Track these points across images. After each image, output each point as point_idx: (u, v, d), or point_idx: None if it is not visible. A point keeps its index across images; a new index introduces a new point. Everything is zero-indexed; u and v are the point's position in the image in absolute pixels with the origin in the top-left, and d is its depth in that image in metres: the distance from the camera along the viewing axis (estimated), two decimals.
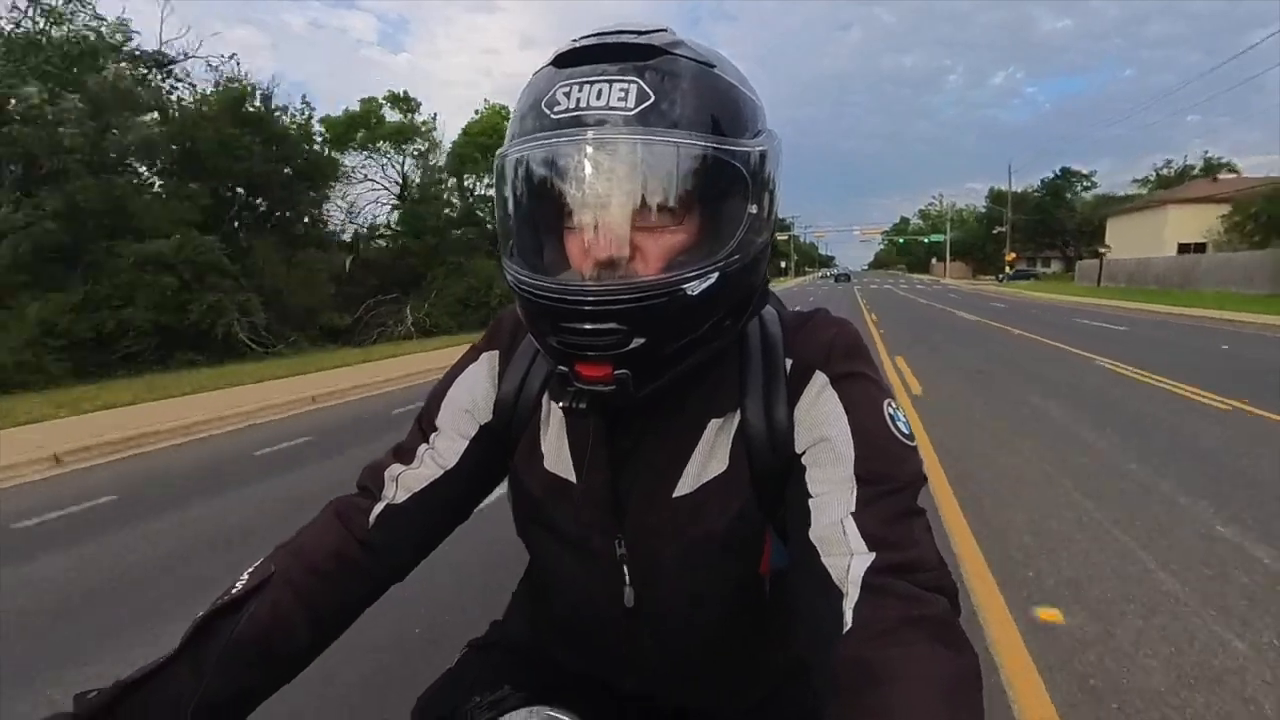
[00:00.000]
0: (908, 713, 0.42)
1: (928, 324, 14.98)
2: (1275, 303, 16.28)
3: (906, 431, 0.59)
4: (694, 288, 0.53)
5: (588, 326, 0.53)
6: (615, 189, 0.53)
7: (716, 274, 0.53)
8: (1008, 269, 40.69)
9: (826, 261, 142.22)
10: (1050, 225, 45.75)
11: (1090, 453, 4.26)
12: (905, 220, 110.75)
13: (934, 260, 75.65)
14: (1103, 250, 31.67)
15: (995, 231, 48.27)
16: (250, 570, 0.62)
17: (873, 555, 0.51)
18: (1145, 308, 17.25)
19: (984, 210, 58.13)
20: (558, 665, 0.77)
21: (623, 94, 0.51)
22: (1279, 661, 1.99)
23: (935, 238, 67.58)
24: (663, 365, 0.56)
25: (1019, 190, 48.71)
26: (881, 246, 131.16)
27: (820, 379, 0.61)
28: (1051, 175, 48.14)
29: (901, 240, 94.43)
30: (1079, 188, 48.10)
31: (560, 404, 0.61)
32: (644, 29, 0.55)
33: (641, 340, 0.53)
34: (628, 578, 0.66)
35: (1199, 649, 2.07)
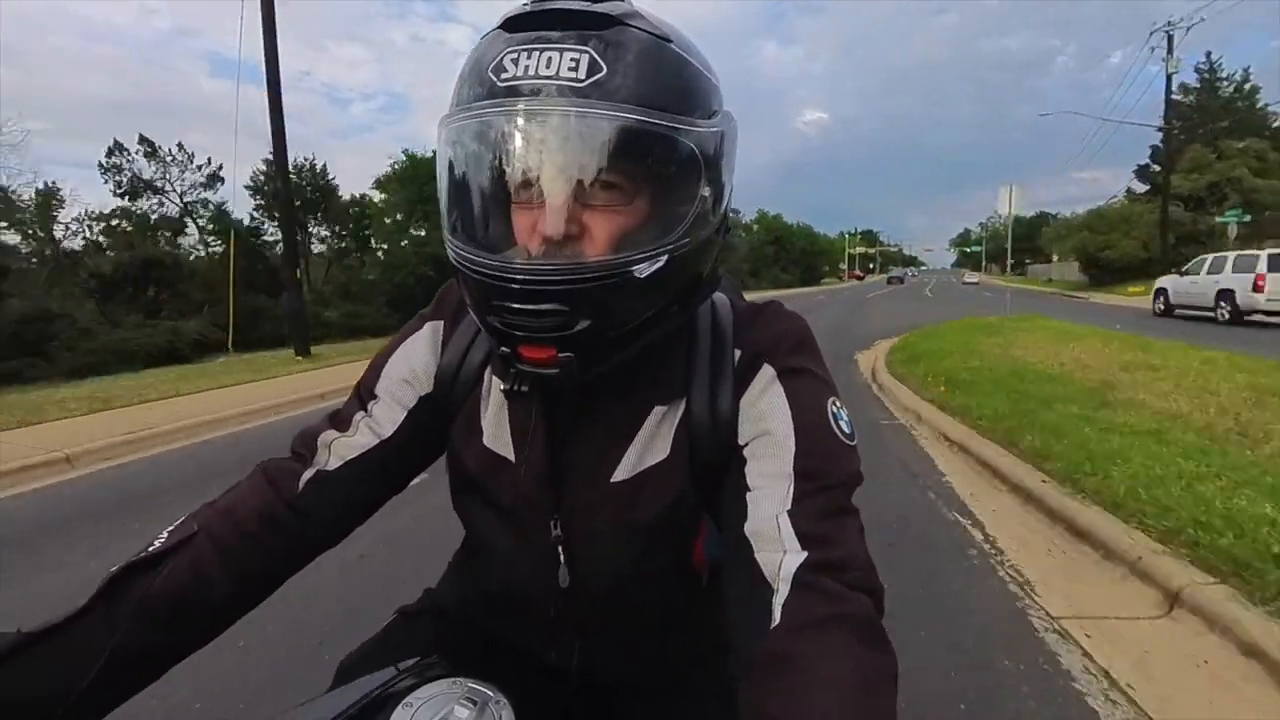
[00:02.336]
0: (815, 701, 0.43)
1: (945, 289, 41.08)
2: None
3: (848, 430, 0.59)
4: (642, 270, 0.51)
5: (531, 307, 0.51)
6: (563, 164, 0.50)
7: (666, 257, 0.52)
8: (1008, 268, 65.07)
9: (910, 262, 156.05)
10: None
11: (925, 298, 30.65)
12: (968, 231, 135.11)
13: (983, 263, 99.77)
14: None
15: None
16: (171, 527, 0.61)
17: (805, 553, 0.51)
18: (1030, 287, 42.36)
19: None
20: (486, 636, 0.77)
21: (574, 63, 0.49)
22: (919, 311, 19.34)
23: (975, 248, 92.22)
24: (608, 349, 0.55)
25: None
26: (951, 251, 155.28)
27: (768, 372, 0.61)
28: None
29: (967, 249, 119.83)
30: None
31: (502, 387, 0.62)
32: None
33: (587, 323, 0.52)
34: (562, 557, 0.65)
35: (908, 315, 16.77)
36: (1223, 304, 13.15)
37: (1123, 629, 2.13)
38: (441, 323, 0.72)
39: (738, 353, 0.63)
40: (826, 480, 0.55)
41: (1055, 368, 6.47)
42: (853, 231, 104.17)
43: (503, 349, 0.56)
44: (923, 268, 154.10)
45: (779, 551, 0.52)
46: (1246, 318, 12.70)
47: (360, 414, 0.69)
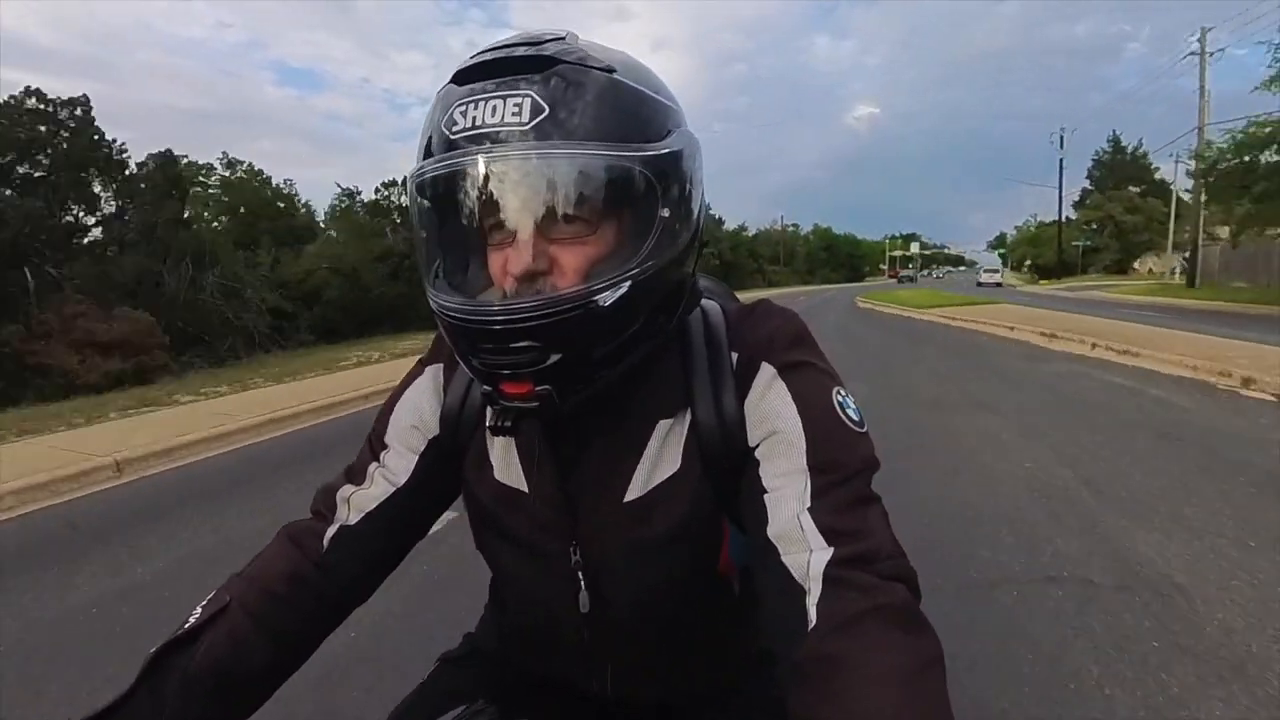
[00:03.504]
0: (866, 697, 0.43)
1: (951, 285, 57.76)
2: None
3: (857, 418, 0.59)
4: (605, 299, 0.52)
5: (504, 345, 0.53)
6: (514, 205, 0.52)
7: (629, 283, 0.53)
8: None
9: (958, 261, 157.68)
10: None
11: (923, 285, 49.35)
12: (1004, 234, 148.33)
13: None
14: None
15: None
16: (204, 602, 0.62)
17: (831, 550, 0.51)
18: (1007, 281, 61.05)
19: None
20: (528, 674, 0.77)
21: (516, 108, 0.51)
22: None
23: (1000, 251, 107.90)
24: (586, 378, 0.56)
25: None
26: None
27: (768, 371, 0.61)
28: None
29: (1002, 250, 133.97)
30: None
31: (488, 424, 0.61)
32: (540, 38, 0.54)
33: (558, 356, 0.53)
34: (583, 583, 0.66)
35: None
36: (981, 282, 33.94)
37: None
38: (441, 366, 0.73)
39: (734, 356, 0.63)
40: (842, 471, 0.55)
41: (928, 299, 25.11)
42: (895, 235, 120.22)
43: (485, 387, 0.57)
44: (974, 266, 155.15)
45: (805, 551, 0.52)
46: (980, 284, 34.98)
47: (374, 464, 0.71)
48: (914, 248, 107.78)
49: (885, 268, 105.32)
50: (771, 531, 0.54)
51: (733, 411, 0.61)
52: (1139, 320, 12.38)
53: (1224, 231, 21.94)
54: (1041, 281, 42.93)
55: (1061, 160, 41.73)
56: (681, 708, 0.73)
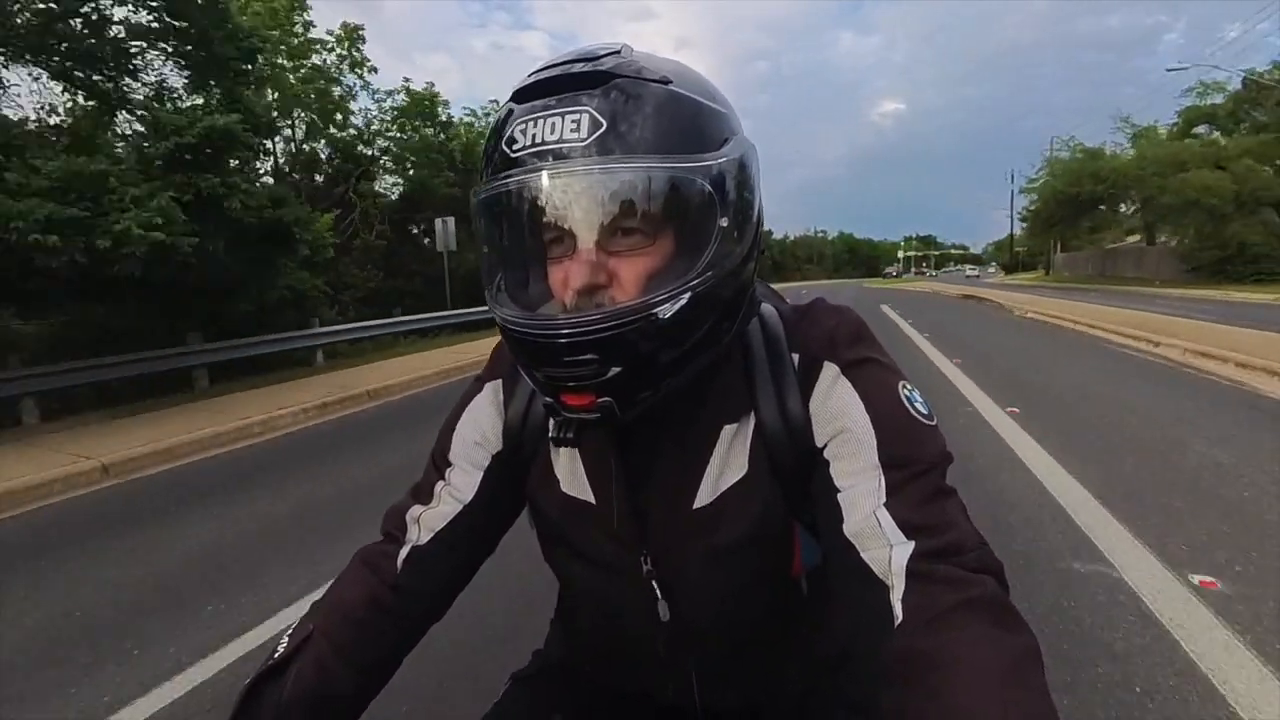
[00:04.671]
0: (967, 695, 0.42)
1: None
2: None
3: (925, 411, 0.59)
4: (665, 311, 0.52)
5: (564, 359, 0.53)
6: (575, 219, 0.53)
7: (688, 294, 0.53)
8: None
9: (977, 259, 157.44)
10: None
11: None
12: (1012, 235, 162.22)
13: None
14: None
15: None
16: (289, 632, 0.65)
17: (912, 544, 0.50)
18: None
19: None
20: (600, 688, 0.78)
21: (575, 124, 0.52)
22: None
23: (974, 252, 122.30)
24: (647, 389, 0.56)
25: None
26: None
27: (831, 370, 0.61)
28: None
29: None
30: None
31: (550, 435, 0.62)
32: (596, 54, 0.55)
33: (618, 369, 0.53)
34: (659, 592, 0.66)
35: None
36: (967, 276, 51.69)
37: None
38: (500, 381, 0.74)
39: (795, 357, 0.64)
40: (916, 466, 0.55)
41: (880, 283, 42.52)
42: (910, 237, 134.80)
43: (547, 399, 0.58)
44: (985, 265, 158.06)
45: (885, 547, 0.51)
46: (966, 277, 53.19)
47: (440, 483, 0.72)
48: (915, 248, 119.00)
49: (890, 269, 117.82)
50: (848, 529, 0.54)
51: (798, 412, 0.61)
52: (998, 287, 28.99)
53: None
54: (1003, 275, 60.36)
55: (1013, 191, 58.69)
56: (762, 712, 0.74)
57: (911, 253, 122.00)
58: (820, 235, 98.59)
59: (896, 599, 0.49)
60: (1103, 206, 30.36)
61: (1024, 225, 39.17)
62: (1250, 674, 1.85)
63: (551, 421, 0.62)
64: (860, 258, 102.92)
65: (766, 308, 0.69)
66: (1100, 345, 8.94)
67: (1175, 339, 8.02)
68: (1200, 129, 28.32)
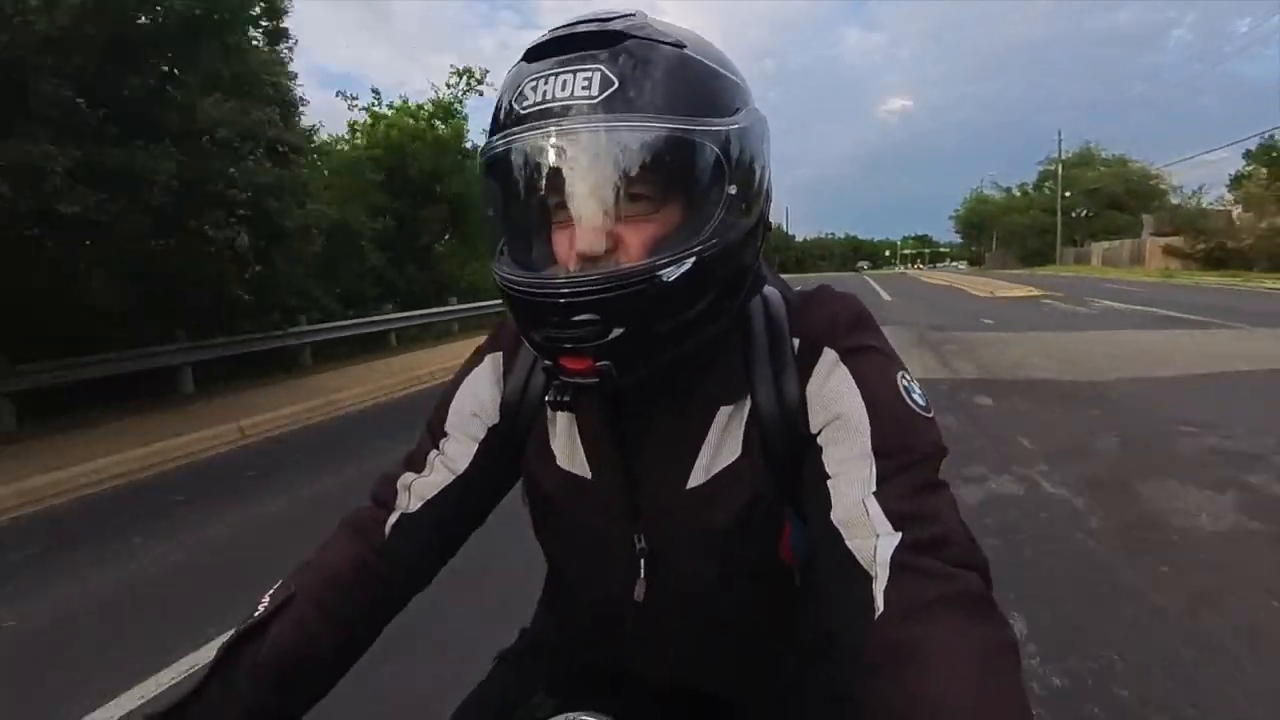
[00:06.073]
0: (941, 687, 0.42)
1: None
2: None
3: (923, 403, 0.59)
4: (670, 274, 0.52)
5: (566, 319, 0.53)
6: (581, 180, 0.53)
7: (693, 259, 0.53)
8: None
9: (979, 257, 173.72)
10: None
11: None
12: None
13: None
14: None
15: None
16: (270, 592, 0.64)
17: (899, 535, 0.50)
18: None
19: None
20: (587, 666, 0.77)
21: (586, 82, 0.51)
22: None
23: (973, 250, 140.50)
24: (647, 355, 0.56)
25: None
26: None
27: (830, 355, 0.61)
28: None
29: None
30: None
31: (546, 399, 0.63)
32: (610, 15, 0.54)
33: (620, 330, 0.53)
34: (642, 571, 0.67)
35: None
36: (909, 269, 72.98)
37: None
38: (501, 354, 0.74)
39: (796, 341, 0.63)
40: (909, 456, 0.54)
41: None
42: (908, 236, 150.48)
43: (546, 362, 0.58)
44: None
45: (871, 536, 0.51)
46: (911, 271, 70.64)
47: (434, 452, 0.72)
48: (911, 246, 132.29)
49: (861, 264, 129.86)
50: (835, 516, 0.54)
51: (794, 397, 0.61)
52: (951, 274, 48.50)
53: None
54: (968, 267, 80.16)
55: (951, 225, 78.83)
56: (742, 697, 0.73)
57: (908, 250, 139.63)
58: (830, 236, 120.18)
59: (879, 590, 0.49)
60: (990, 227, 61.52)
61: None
62: None
63: (551, 387, 0.63)
64: (864, 254, 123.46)
65: (770, 291, 0.68)
66: (956, 289, 24.26)
67: (983, 285, 24.13)
68: (1029, 188, 58.30)
